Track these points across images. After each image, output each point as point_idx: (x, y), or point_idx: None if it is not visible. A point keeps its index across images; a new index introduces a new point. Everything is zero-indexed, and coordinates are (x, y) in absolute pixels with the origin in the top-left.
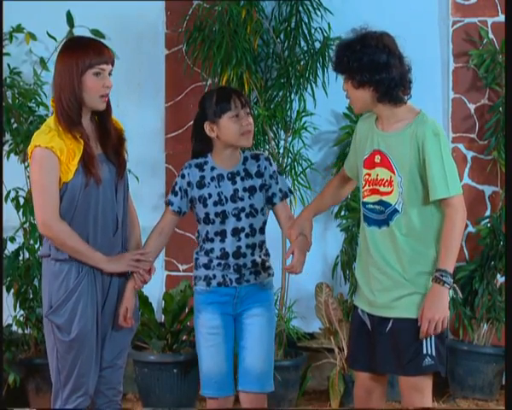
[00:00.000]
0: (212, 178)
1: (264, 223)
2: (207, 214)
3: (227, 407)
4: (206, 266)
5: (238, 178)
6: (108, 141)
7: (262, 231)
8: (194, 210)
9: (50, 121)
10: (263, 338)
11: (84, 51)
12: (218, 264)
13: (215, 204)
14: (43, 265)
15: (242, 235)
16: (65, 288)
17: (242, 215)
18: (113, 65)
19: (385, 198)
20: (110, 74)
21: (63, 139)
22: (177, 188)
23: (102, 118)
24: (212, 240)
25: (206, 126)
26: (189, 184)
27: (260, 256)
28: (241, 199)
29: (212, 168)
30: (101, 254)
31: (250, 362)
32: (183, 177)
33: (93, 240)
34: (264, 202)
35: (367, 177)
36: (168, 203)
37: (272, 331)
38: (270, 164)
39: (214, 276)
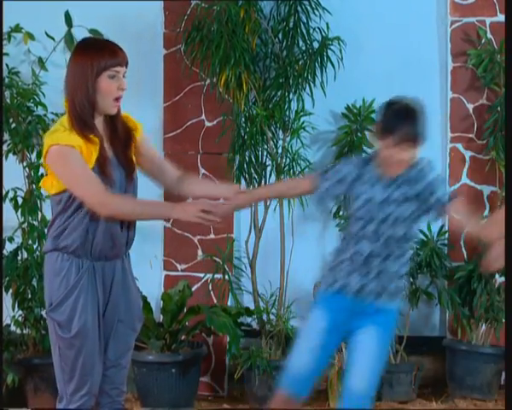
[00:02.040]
0: (370, 179)
1: (413, 234)
2: (355, 215)
3: (291, 406)
4: (336, 268)
5: (394, 185)
6: (117, 142)
7: (407, 241)
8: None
9: (64, 121)
10: (372, 359)
11: (99, 53)
12: (349, 268)
13: (363, 206)
14: (45, 261)
15: (381, 243)
16: (65, 285)
17: (389, 222)
18: (127, 67)
19: None
20: (124, 76)
21: (80, 138)
22: (340, 174)
23: (112, 119)
24: (350, 243)
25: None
26: (348, 177)
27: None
28: (392, 206)
29: (374, 170)
30: (170, 203)
31: (354, 382)
32: (348, 167)
33: (97, 238)
34: (416, 213)
35: None
36: (321, 176)
37: (383, 354)
38: (431, 170)
39: (339, 280)
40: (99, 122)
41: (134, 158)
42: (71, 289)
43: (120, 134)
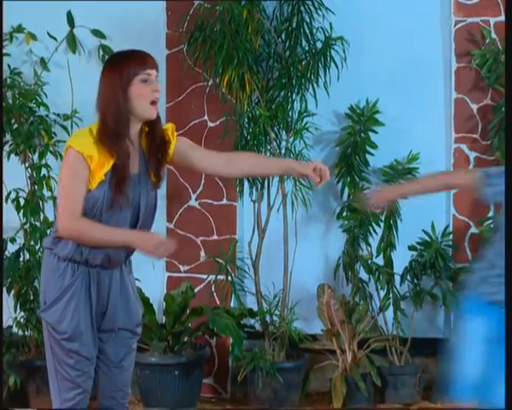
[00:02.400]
0: None
1: None
2: None
3: None
4: (492, 279)
5: None
6: (152, 158)
7: None
8: None
9: (95, 125)
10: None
11: (127, 61)
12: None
13: None
14: (44, 256)
15: None
16: (60, 285)
17: None
18: (157, 70)
19: None
20: (156, 80)
21: (98, 147)
22: None
23: (151, 130)
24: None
25: None
26: None
27: None
28: None
29: None
30: (130, 233)
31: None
32: None
33: (92, 254)
34: None
35: None
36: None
37: None
38: None
39: (500, 292)
40: (134, 133)
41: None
42: (65, 290)
43: (154, 149)
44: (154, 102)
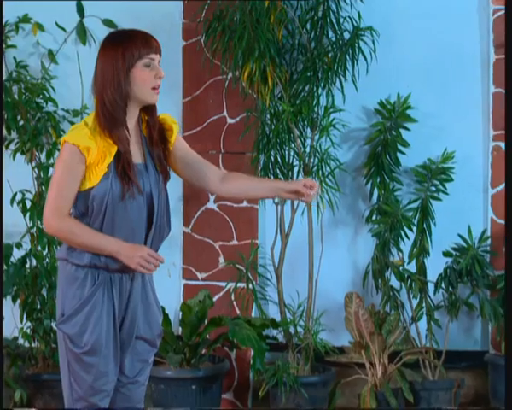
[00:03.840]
0: None
1: None
2: None
3: None
4: None
5: None
6: (153, 145)
7: None
8: None
9: (88, 118)
10: None
11: (130, 42)
12: None
13: None
14: (58, 268)
15: None
16: (79, 297)
17: None
18: (160, 55)
19: None
20: (159, 65)
21: (96, 139)
22: None
23: (148, 117)
24: None
25: None
26: None
27: None
28: None
29: None
30: (115, 241)
31: None
32: None
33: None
34: None
35: None
36: None
37: None
38: None
39: None
40: (132, 124)
41: (169, 164)
42: (85, 300)
43: (155, 137)
44: (155, 88)
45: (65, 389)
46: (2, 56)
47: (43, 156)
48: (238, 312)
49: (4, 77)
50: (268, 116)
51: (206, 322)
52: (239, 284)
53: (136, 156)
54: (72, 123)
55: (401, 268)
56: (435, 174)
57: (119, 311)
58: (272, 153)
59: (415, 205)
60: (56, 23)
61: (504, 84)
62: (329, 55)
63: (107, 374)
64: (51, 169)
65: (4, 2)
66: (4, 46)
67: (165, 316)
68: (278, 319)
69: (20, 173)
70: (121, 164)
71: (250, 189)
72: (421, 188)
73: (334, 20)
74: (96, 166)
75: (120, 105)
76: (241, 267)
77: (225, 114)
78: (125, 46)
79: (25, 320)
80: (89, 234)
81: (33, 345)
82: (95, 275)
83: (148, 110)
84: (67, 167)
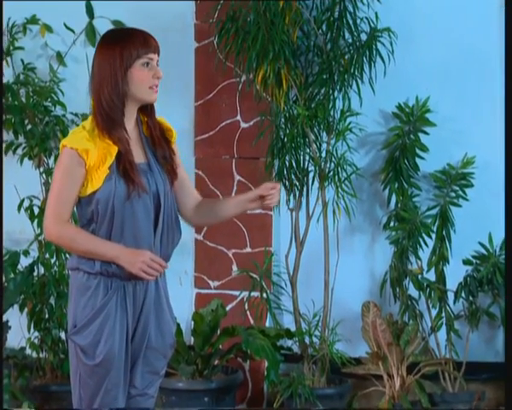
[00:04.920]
0: None
1: None
2: None
3: None
4: None
5: None
6: (156, 145)
7: None
8: None
9: (85, 121)
10: None
11: (128, 41)
12: None
13: None
14: (70, 278)
15: None
16: (91, 307)
17: None
18: (159, 54)
19: None
20: (157, 65)
21: (95, 142)
22: None
23: (147, 117)
24: None
25: None
26: None
27: None
28: None
29: None
30: (116, 247)
31: None
32: None
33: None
34: None
35: None
36: None
37: None
38: None
39: None
40: (131, 125)
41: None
42: (97, 310)
43: (158, 136)
44: (152, 87)
45: (75, 401)
46: (2, 56)
47: (51, 161)
48: (252, 321)
49: (12, 80)
50: (283, 120)
51: (218, 332)
52: (252, 293)
53: (138, 156)
54: None
55: (420, 277)
56: (455, 180)
57: (133, 320)
58: (287, 158)
59: (434, 211)
60: (65, 24)
61: (504, 84)
62: (346, 56)
63: (119, 386)
64: None
65: (12, 3)
66: (12, 48)
67: (177, 326)
68: (293, 328)
69: (27, 179)
70: (122, 164)
71: (218, 211)
72: (441, 194)
73: (350, 21)
74: (97, 168)
75: (117, 105)
76: (254, 276)
77: (239, 117)
78: (123, 45)
79: (32, 330)
80: (89, 240)
81: (41, 355)
82: (107, 283)
83: (147, 111)
84: (66, 172)
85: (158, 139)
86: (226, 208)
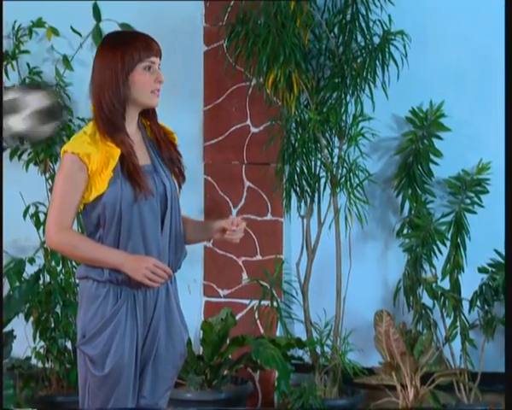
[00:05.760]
0: None
1: None
2: None
3: None
4: None
5: None
6: (161, 147)
7: None
8: None
9: (87, 127)
10: None
11: (130, 45)
12: None
13: None
14: (79, 288)
15: None
16: (101, 316)
17: None
18: (161, 58)
19: None
20: (159, 68)
21: (96, 145)
22: None
23: (149, 121)
24: None
25: None
26: None
27: None
28: None
29: None
30: (120, 254)
31: None
32: None
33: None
34: None
35: None
36: None
37: None
38: None
39: None
40: (133, 128)
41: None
42: (107, 320)
43: (163, 139)
44: (154, 92)
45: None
46: (2, 56)
47: (57, 167)
48: (262, 331)
49: (17, 83)
50: (293, 125)
51: (228, 341)
52: (263, 302)
53: (142, 158)
54: None
55: (434, 285)
56: (470, 186)
57: (143, 330)
58: (298, 164)
59: (448, 218)
60: (72, 27)
61: (504, 85)
62: (358, 60)
63: (128, 396)
64: None
65: (18, 6)
66: (17, 51)
67: None
68: (304, 338)
69: (33, 185)
70: (126, 166)
71: (188, 234)
72: (455, 200)
73: (363, 24)
74: (100, 172)
75: (118, 109)
76: (265, 284)
77: (249, 122)
78: (125, 48)
79: (38, 339)
80: (92, 247)
81: (47, 365)
82: (117, 292)
83: (149, 115)
84: (68, 177)
85: (163, 142)
86: (195, 234)
